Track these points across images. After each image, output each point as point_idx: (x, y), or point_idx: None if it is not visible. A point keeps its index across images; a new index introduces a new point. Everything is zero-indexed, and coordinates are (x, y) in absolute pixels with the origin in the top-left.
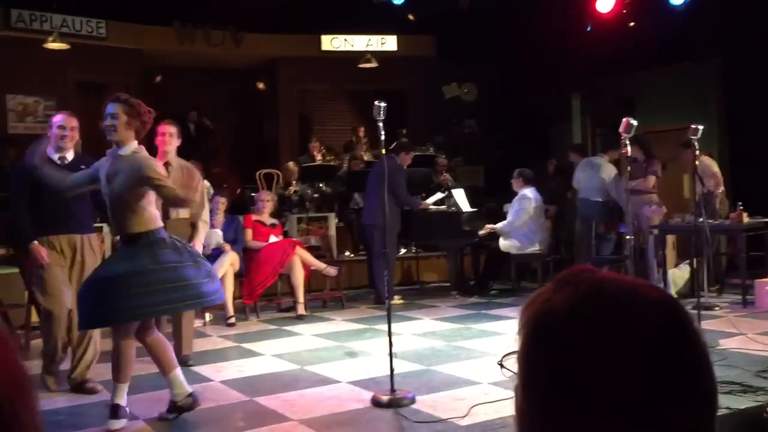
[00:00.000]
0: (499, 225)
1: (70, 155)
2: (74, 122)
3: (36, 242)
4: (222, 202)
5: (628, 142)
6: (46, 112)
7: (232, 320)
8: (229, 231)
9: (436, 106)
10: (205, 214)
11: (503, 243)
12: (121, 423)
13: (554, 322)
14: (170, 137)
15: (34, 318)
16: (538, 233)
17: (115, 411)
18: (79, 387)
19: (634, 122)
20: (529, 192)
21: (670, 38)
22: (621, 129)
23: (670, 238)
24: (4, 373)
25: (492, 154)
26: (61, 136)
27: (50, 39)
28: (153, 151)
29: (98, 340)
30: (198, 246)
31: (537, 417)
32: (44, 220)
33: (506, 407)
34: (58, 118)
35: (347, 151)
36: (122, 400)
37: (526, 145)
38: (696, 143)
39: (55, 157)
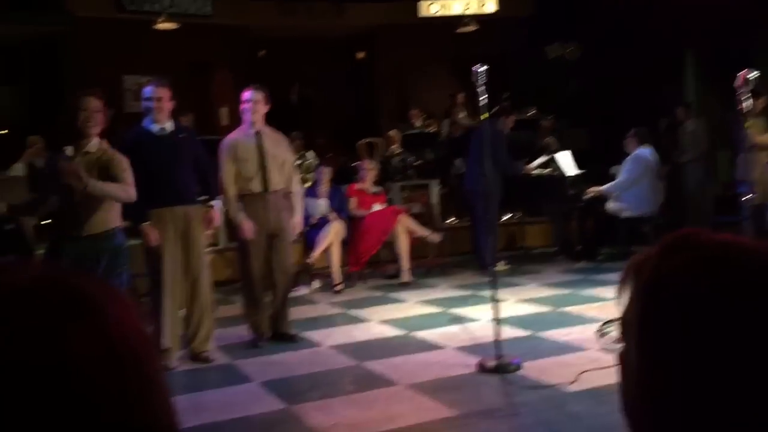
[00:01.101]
0: (605, 186)
1: (168, 125)
2: (161, 92)
3: (147, 223)
4: (326, 172)
5: (746, 97)
6: None
7: (339, 287)
8: (333, 200)
9: (539, 68)
10: (296, 185)
11: (612, 205)
12: None
13: (674, 291)
14: (254, 104)
15: None
16: (651, 195)
17: None
18: (196, 357)
19: (753, 75)
20: (644, 152)
21: None
22: (738, 83)
23: None
24: (138, 337)
25: (598, 115)
26: (148, 108)
27: (160, 20)
28: (239, 119)
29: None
30: (297, 215)
31: (660, 391)
32: (154, 193)
33: (617, 374)
34: (146, 90)
35: (447, 117)
36: None
37: (634, 105)
38: None
39: (156, 128)
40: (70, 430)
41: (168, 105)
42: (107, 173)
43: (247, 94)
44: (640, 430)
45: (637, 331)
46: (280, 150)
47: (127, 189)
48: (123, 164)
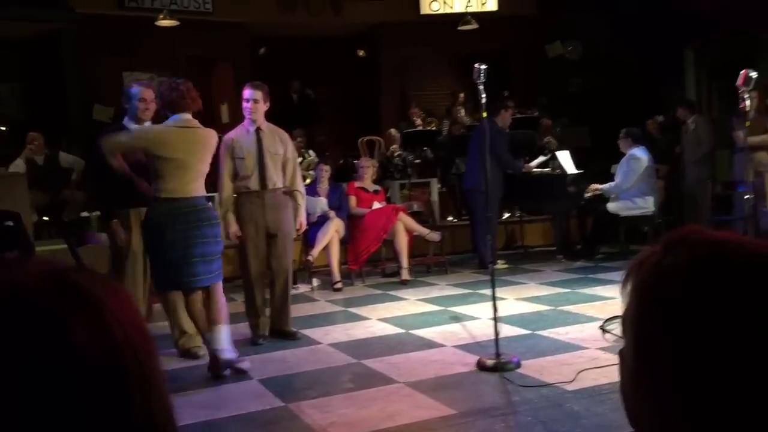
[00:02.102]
0: (606, 186)
1: (147, 126)
2: (150, 93)
3: (114, 221)
4: (326, 170)
5: (747, 96)
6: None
7: (339, 285)
8: (333, 198)
9: (539, 66)
10: (300, 184)
11: (612, 205)
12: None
13: (672, 288)
14: (254, 103)
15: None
16: (649, 194)
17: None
18: (186, 353)
19: (754, 74)
20: (639, 152)
21: None
22: (739, 82)
23: None
24: (137, 330)
25: (599, 114)
26: (134, 108)
27: (161, 16)
28: (240, 116)
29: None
30: (302, 215)
31: (657, 387)
32: (123, 193)
33: (616, 372)
34: (133, 90)
35: (448, 115)
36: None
37: (635, 103)
38: None
39: (133, 127)
40: (71, 420)
41: (152, 106)
42: None
43: (246, 93)
44: (640, 427)
45: (633, 327)
46: (280, 148)
47: None
48: None
